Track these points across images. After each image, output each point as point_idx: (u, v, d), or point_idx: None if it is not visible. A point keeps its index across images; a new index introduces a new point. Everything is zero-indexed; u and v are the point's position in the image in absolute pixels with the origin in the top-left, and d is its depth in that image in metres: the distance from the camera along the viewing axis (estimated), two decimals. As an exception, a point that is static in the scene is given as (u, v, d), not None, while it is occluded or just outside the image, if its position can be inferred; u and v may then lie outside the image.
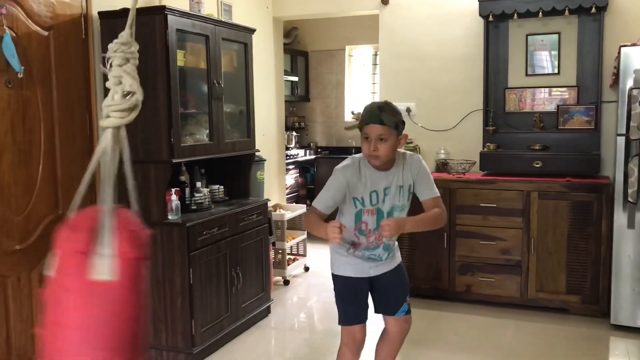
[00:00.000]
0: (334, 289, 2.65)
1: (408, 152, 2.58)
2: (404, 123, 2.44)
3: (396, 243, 2.68)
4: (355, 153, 7.18)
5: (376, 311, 2.69)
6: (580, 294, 4.10)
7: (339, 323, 2.62)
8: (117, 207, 1.27)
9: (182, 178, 3.61)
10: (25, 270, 2.97)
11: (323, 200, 2.48)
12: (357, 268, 2.57)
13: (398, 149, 2.47)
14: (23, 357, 2.96)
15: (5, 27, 2.79)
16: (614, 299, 3.88)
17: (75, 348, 1.22)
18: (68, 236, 1.24)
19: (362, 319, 2.59)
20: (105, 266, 1.21)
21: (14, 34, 2.83)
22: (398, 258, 2.70)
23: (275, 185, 5.47)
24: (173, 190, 3.38)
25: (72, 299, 1.22)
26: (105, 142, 1.29)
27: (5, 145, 2.83)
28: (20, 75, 2.86)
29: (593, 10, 4.21)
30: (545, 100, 4.58)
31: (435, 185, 2.57)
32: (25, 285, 2.97)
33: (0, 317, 2.84)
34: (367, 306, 2.61)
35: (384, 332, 2.72)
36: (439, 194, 2.55)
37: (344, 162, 2.51)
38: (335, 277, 2.64)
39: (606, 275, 3.98)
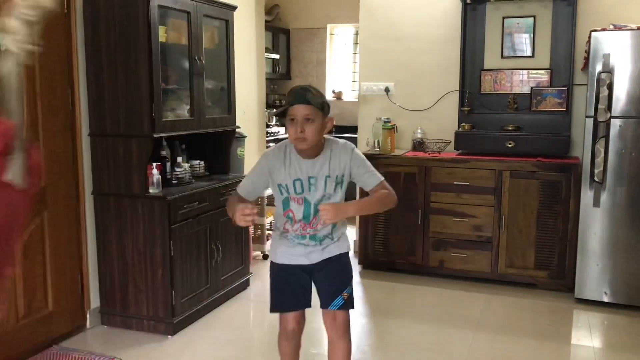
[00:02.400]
0: (269, 275, 2.55)
1: (340, 140, 2.43)
2: (329, 106, 2.33)
3: (341, 230, 2.50)
4: (335, 132, 7.24)
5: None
6: (547, 270, 4.27)
7: (270, 310, 2.53)
8: None
9: (163, 153, 3.67)
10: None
11: (244, 186, 2.44)
12: (288, 255, 2.45)
13: (327, 136, 2.37)
14: (6, 324, 3.03)
15: (-13, 0, 2.81)
16: (579, 274, 4.06)
17: None
18: None
19: (291, 307, 2.48)
20: (18, 170, 1.37)
21: (-4, 7, 2.86)
22: (342, 248, 2.49)
23: (255, 162, 5.54)
24: (154, 164, 3.45)
25: None
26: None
27: (-12, 117, 2.87)
28: (1, 49, 2.89)
29: (567, -6, 4.33)
30: (519, 82, 4.70)
31: (375, 170, 2.44)
32: None
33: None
34: (300, 296, 2.48)
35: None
36: (382, 178, 2.42)
37: (272, 148, 2.43)
38: (270, 264, 2.54)
39: (572, 252, 4.15)
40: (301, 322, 2.55)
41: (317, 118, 2.25)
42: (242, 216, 2.22)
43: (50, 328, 3.33)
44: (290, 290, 2.47)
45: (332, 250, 2.46)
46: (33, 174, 1.40)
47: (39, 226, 3.22)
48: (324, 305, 2.46)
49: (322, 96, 2.30)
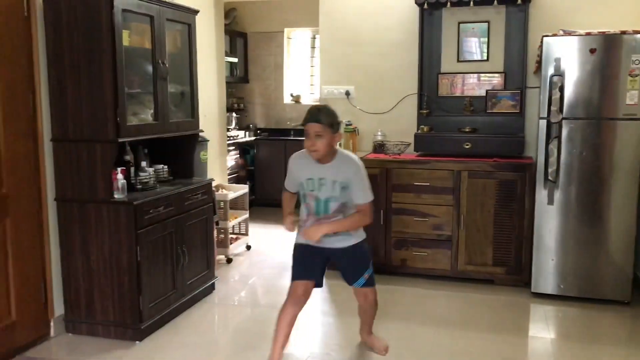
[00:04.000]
0: (292, 255, 3.14)
1: (352, 155, 3.02)
2: (339, 124, 2.93)
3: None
4: (294, 135, 7.33)
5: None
6: (505, 266, 4.44)
7: (291, 280, 3.08)
8: None
9: (127, 157, 3.64)
10: (-31, 249, 2.97)
11: (288, 184, 3.13)
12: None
13: (339, 148, 2.97)
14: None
15: (-55, 3, 2.75)
16: (535, 269, 4.23)
17: None
18: None
19: (303, 276, 3.04)
20: None
21: (-46, 11, 2.80)
22: (357, 239, 3.10)
23: (217, 165, 5.55)
24: (119, 169, 3.42)
25: None
26: None
27: (-53, 123, 2.81)
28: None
29: (519, 1, 4.51)
30: (475, 85, 4.87)
31: (368, 189, 2.98)
32: (-30, 264, 2.97)
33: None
34: (313, 269, 3.07)
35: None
36: (368, 199, 2.96)
37: (297, 152, 3.05)
38: (294, 245, 3.14)
39: (528, 248, 4.32)
40: (307, 293, 3.05)
41: (326, 134, 2.83)
42: (287, 224, 3.05)
43: (13, 338, 3.26)
44: (305, 263, 3.06)
45: (348, 241, 3.06)
46: None
47: (0, 234, 3.16)
48: (349, 282, 3.18)
49: (333, 116, 2.89)
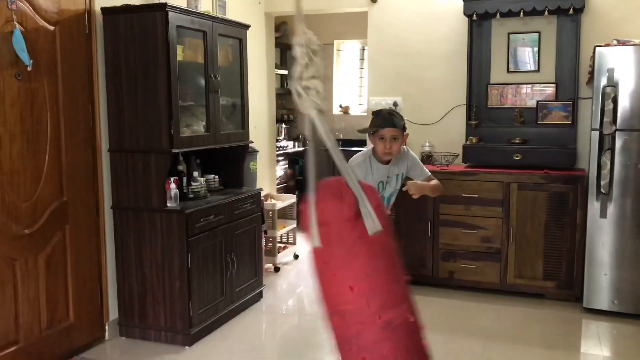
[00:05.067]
0: None
1: (401, 147, 3.11)
2: (405, 125, 3.01)
3: None
4: (342, 145, 7.38)
5: None
6: (556, 280, 4.34)
7: None
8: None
9: (180, 168, 3.77)
10: (32, 254, 3.13)
11: None
12: None
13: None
14: (30, 336, 3.12)
15: (15, 22, 2.93)
16: (587, 284, 4.13)
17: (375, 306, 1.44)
18: (334, 206, 1.43)
19: None
20: (373, 223, 1.45)
21: (22, 29, 2.98)
22: None
23: (267, 175, 5.65)
24: (172, 179, 3.55)
25: (357, 258, 1.44)
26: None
27: (14, 134, 2.98)
28: (29, 69, 3.01)
29: (571, 11, 4.43)
30: (525, 96, 4.80)
31: (424, 167, 3.21)
32: (33, 268, 3.13)
33: (9, 297, 3.00)
34: None
35: None
36: (429, 173, 3.19)
37: (357, 160, 3.04)
38: None
39: (580, 262, 4.22)
40: None
41: (400, 137, 2.94)
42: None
43: (71, 339, 3.41)
44: None
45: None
46: (380, 215, 1.48)
47: (60, 240, 3.32)
48: None
49: (403, 119, 2.99)
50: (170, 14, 3.38)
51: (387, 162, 3.02)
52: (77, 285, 3.42)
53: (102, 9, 3.48)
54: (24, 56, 2.95)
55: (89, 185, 3.51)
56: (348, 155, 3.18)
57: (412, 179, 3.12)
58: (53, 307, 3.27)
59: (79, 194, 3.42)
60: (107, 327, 3.67)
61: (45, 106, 3.16)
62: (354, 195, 1.47)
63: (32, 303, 3.14)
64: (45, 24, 3.15)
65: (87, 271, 3.51)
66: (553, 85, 4.71)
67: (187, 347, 3.56)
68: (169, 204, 3.51)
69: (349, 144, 6.92)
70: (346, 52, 7.99)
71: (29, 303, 3.11)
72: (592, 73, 4.10)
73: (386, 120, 2.94)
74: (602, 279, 4.08)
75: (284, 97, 7.83)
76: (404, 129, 2.99)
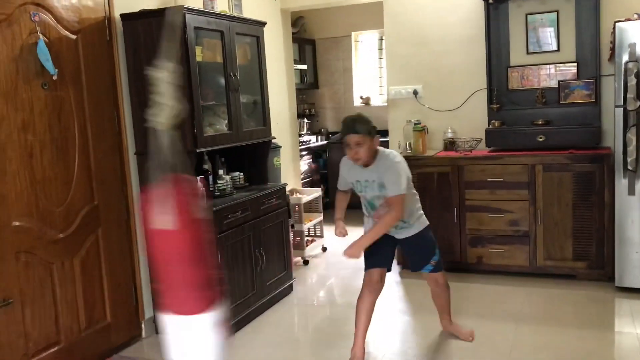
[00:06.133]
0: None
1: (390, 153, 3.13)
2: (375, 128, 3.05)
3: (414, 217, 3.25)
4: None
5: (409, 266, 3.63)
6: (586, 260, 4.31)
7: (365, 269, 3.26)
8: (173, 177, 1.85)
9: (205, 166, 3.84)
10: (68, 258, 3.23)
11: (340, 182, 3.33)
12: None
13: (380, 149, 3.10)
14: (70, 336, 3.23)
15: (39, 33, 3.02)
16: (618, 262, 4.09)
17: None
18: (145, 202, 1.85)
19: (377, 264, 3.22)
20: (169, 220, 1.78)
21: (46, 39, 3.07)
22: (419, 228, 3.27)
23: (291, 170, 5.70)
24: (198, 178, 3.62)
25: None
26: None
27: (45, 142, 3.08)
28: (54, 78, 3.10)
29: (589, -13, 4.38)
30: (546, 76, 4.76)
31: (400, 183, 3.00)
32: (69, 271, 3.23)
33: (48, 300, 3.10)
34: (384, 256, 3.24)
35: None
36: (399, 192, 2.99)
37: (345, 156, 3.17)
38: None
39: (610, 241, 4.18)
40: (383, 279, 3.24)
41: (365, 142, 2.98)
42: (338, 231, 3.23)
43: (109, 338, 3.52)
44: (377, 251, 3.18)
45: (409, 231, 3.23)
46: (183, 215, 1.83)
47: (94, 243, 3.41)
48: (416, 269, 3.37)
49: (368, 123, 3.02)
50: (188, 16, 3.44)
51: (366, 166, 3.08)
52: (112, 286, 3.52)
53: (121, 15, 3.56)
54: (49, 66, 3.04)
55: (118, 188, 3.60)
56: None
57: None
58: (90, 307, 3.38)
59: (109, 197, 3.51)
60: (143, 325, 3.76)
61: (72, 113, 3.25)
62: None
63: (70, 305, 3.24)
64: (68, 33, 3.24)
65: (121, 271, 3.60)
66: (574, 64, 4.65)
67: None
68: (196, 203, 3.57)
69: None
70: (364, 43, 7.99)
71: (67, 305, 3.22)
72: (613, 49, 4.04)
73: (348, 127, 3.00)
74: (633, 257, 4.03)
75: (304, 92, 7.88)
76: (370, 133, 2.99)
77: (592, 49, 4.55)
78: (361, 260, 3.21)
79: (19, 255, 2.93)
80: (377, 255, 3.23)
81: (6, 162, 2.87)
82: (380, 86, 7.93)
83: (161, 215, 1.77)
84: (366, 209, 3.25)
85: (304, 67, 7.58)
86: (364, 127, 2.98)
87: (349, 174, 3.19)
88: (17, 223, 2.93)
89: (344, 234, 3.21)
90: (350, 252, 3.02)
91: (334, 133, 7.95)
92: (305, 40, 7.78)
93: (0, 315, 2.82)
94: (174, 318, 1.87)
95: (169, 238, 1.80)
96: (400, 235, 3.24)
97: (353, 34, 7.86)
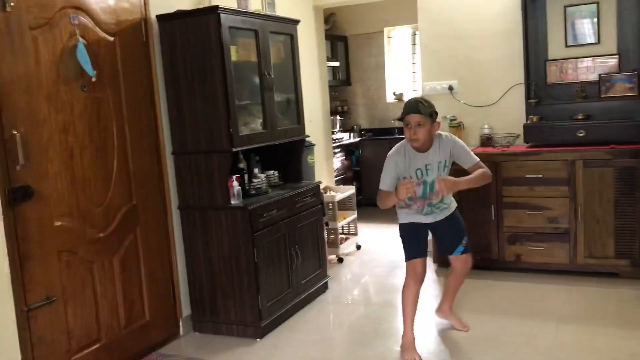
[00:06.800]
0: (400, 235, 3.35)
1: (444, 133, 3.21)
2: (437, 113, 3.09)
3: (450, 198, 3.34)
4: (398, 134, 7.36)
5: (438, 252, 3.71)
6: (629, 258, 4.19)
7: (405, 260, 3.31)
8: None
9: (241, 165, 3.86)
10: (107, 257, 3.28)
11: (385, 182, 3.18)
12: (413, 216, 3.28)
13: (436, 133, 3.13)
14: (110, 334, 3.28)
15: (78, 36, 3.07)
16: (663, 260, 3.97)
17: None
18: None
19: (420, 254, 3.28)
20: None
21: (85, 42, 3.11)
22: (452, 208, 3.36)
23: (325, 168, 5.69)
24: (234, 177, 3.63)
25: None
26: None
27: (85, 144, 3.13)
28: (93, 80, 3.14)
29: (631, -23, 4.25)
30: (586, 70, 4.64)
31: (472, 153, 3.21)
32: (109, 270, 3.29)
33: (89, 298, 3.16)
34: (425, 245, 3.31)
35: (451, 268, 3.51)
36: (478, 159, 3.19)
37: (393, 150, 3.20)
38: (400, 226, 3.36)
39: (655, 238, 4.06)
40: (425, 269, 3.30)
41: (426, 124, 3.02)
42: (403, 187, 2.98)
43: (149, 336, 3.56)
44: (417, 241, 3.29)
45: (447, 212, 3.31)
46: None
47: (132, 242, 3.46)
48: (449, 252, 3.41)
49: (432, 106, 3.07)
50: (222, 15, 3.45)
51: (424, 151, 3.12)
52: (150, 285, 3.57)
53: (157, 16, 3.59)
54: (88, 68, 3.08)
55: (156, 188, 3.64)
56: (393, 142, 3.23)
57: (460, 165, 3.21)
58: (130, 306, 3.42)
59: (147, 197, 3.55)
60: (181, 324, 3.80)
61: (110, 115, 3.30)
62: None
63: (110, 303, 3.29)
64: (106, 35, 3.28)
65: (159, 270, 3.64)
66: (615, 56, 4.53)
67: (258, 339, 3.65)
68: (232, 202, 3.60)
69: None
70: (397, 38, 7.92)
71: (107, 303, 3.27)
72: (657, 41, 3.92)
73: (411, 107, 3.04)
74: (679, 255, 3.91)
75: (336, 89, 7.85)
76: (431, 116, 3.04)
77: (634, 41, 4.41)
78: (396, 259, 3.21)
79: (61, 254, 2.99)
80: (418, 246, 3.30)
81: (48, 163, 2.92)
82: (414, 82, 7.85)
83: None
84: (414, 196, 3.11)
85: (337, 64, 7.55)
86: (426, 109, 3.02)
87: (409, 165, 3.13)
88: (59, 223, 2.98)
89: (411, 185, 3.00)
90: (445, 189, 2.99)
91: (366, 130, 7.91)
92: (337, 37, 7.75)
93: (44, 313, 2.88)
94: None
95: None
96: (440, 216, 3.29)
97: (385, 29, 7.80)
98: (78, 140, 3.09)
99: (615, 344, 3.28)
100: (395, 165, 3.15)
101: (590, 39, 4.62)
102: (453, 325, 3.60)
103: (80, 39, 3.07)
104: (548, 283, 4.31)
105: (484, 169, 3.16)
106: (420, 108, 3.01)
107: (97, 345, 3.20)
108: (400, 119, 3.11)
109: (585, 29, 4.63)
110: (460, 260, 3.42)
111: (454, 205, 3.39)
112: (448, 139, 3.19)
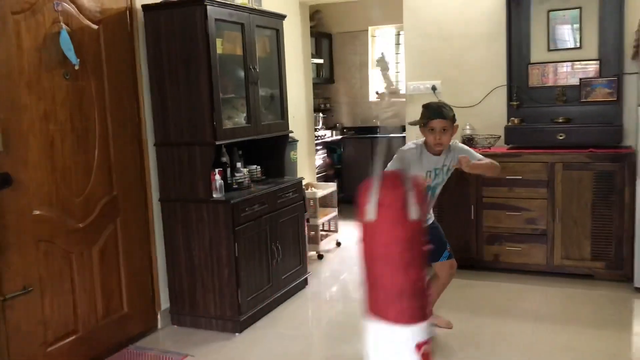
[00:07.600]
0: None
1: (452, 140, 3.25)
2: (455, 116, 3.13)
3: (431, 212, 3.44)
4: (379, 133, 7.38)
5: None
6: (604, 260, 4.26)
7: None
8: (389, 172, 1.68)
9: (224, 159, 3.84)
10: (86, 247, 3.24)
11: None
12: None
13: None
14: (87, 325, 3.24)
15: (61, 23, 3.02)
16: (637, 263, 4.04)
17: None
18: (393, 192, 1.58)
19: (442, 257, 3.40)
20: (415, 211, 1.55)
21: (69, 29, 3.07)
22: (433, 216, 3.46)
23: (306, 164, 5.69)
24: (216, 170, 3.61)
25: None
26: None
27: (65, 132, 3.09)
28: (76, 68, 3.10)
29: (614, -16, 4.31)
30: (567, 74, 4.70)
31: (474, 151, 3.26)
32: (87, 260, 3.25)
33: (67, 289, 3.11)
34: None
35: (433, 276, 3.46)
36: (481, 156, 3.20)
37: (409, 145, 3.21)
38: None
39: (630, 241, 4.13)
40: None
41: (450, 128, 3.07)
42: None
43: (126, 328, 3.53)
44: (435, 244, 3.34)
45: (429, 220, 3.35)
46: (421, 206, 1.57)
47: (112, 233, 3.42)
48: (435, 259, 3.37)
49: (452, 110, 3.11)
50: (209, 7, 3.42)
51: (438, 154, 3.14)
52: (129, 276, 3.53)
53: (142, 6, 3.55)
54: (71, 55, 3.04)
55: (137, 179, 3.61)
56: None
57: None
58: (108, 297, 3.39)
59: (128, 188, 3.52)
60: (159, 316, 3.77)
61: (92, 104, 3.26)
62: (408, 185, 1.57)
63: (88, 294, 3.25)
64: (90, 23, 3.24)
65: (138, 262, 3.61)
66: (596, 61, 4.60)
67: (237, 333, 3.63)
68: (214, 195, 3.58)
69: (387, 131, 6.89)
70: (381, 37, 7.94)
71: (85, 294, 3.23)
72: (637, 47, 3.99)
73: (436, 112, 3.04)
74: (653, 258, 3.99)
75: (319, 86, 7.85)
76: (453, 120, 3.08)
77: (615, 47, 4.48)
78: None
79: (39, 244, 2.94)
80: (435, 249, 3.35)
81: (28, 151, 2.88)
82: (397, 81, 7.88)
83: (370, 206, 1.55)
84: None
85: (320, 61, 7.55)
86: (450, 114, 3.05)
87: (422, 166, 3.13)
88: (38, 212, 2.94)
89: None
90: (468, 168, 3.01)
91: (349, 128, 7.92)
92: (322, 34, 7.74)
93: (20, 303, 2.84)
94: (374, 322, 1.65)
95: (376, 233, 1.60)
96: (429, 222, 3.32)
97: (370, 28, 7.82)
98: (59, 129, 3.05)
99: (590, 344, 3.34)
100: (408, 160, 3.12)
101: (572, 43, 4.69)
102: (437, 323, 3.59)
103: (64, 26, 3.02)
104: (525, 283, 4.36)
105: (491, 160, 3.19)
106: (445, 113, 3.04)
107: (74, 337, 3.16)
108: (424, 124, 3.10)
109: (568, 33, 4.70)
110: (446, 265, 3.41)
111: (433, 213, 3.50)
112: (457, 145, 3.24)
